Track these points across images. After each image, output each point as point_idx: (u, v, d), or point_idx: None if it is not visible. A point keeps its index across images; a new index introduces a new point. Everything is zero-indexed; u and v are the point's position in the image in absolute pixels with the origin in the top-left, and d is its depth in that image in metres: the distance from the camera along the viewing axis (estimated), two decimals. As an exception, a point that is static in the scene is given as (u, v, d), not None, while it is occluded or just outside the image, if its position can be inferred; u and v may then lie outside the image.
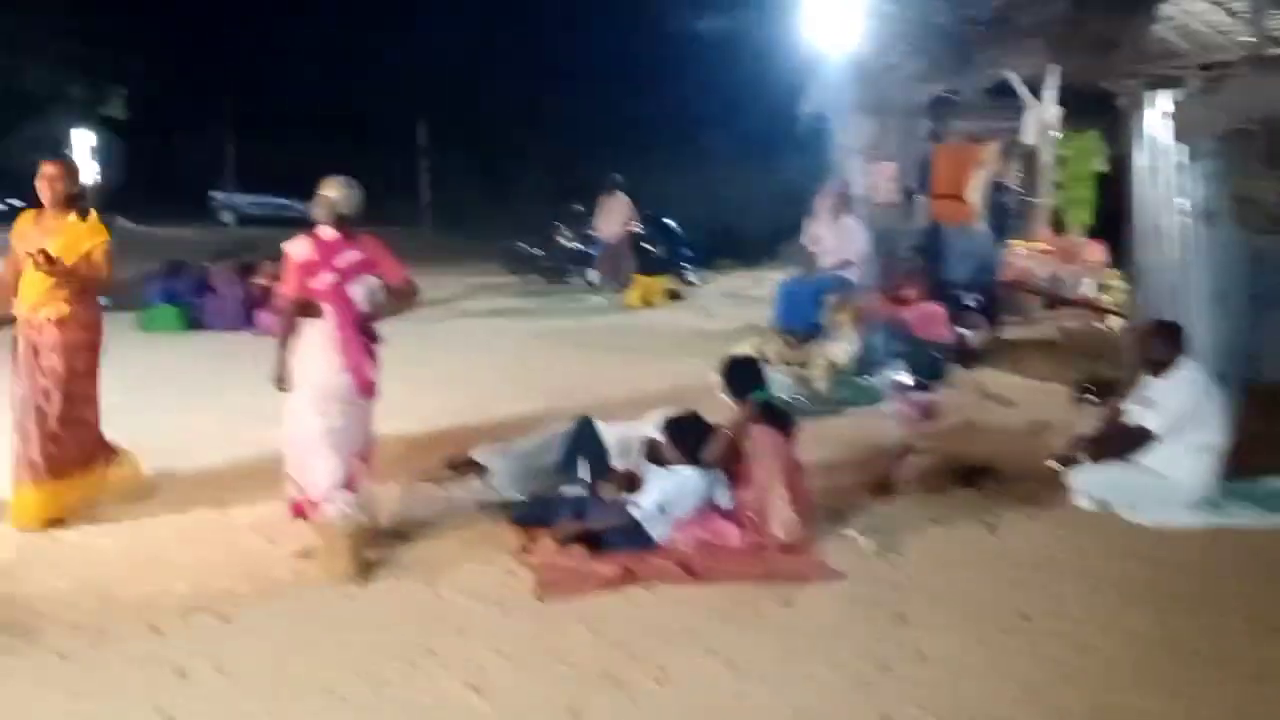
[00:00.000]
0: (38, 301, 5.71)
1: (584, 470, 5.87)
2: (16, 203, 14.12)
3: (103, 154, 33.61)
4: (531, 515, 5.59)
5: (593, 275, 17.80)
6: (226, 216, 34.70)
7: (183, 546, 5.41)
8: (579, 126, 30.55)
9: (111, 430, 6.19)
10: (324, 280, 5.33)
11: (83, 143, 33.31)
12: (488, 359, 11.19)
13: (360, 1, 33.68)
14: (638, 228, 16.90)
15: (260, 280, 13.32)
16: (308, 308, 5.39)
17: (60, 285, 5.65)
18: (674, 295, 16.29)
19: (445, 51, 31.84)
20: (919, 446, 7.01)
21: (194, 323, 13.00)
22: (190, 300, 13.17)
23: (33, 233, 5.72)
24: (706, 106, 27.97)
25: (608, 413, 7.59)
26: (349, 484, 5.35)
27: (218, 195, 35.67)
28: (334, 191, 5.41)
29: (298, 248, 5.39)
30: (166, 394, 9.12)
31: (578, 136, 30.17)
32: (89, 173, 33.80)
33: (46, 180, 5.73)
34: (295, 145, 36.98)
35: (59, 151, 10.96)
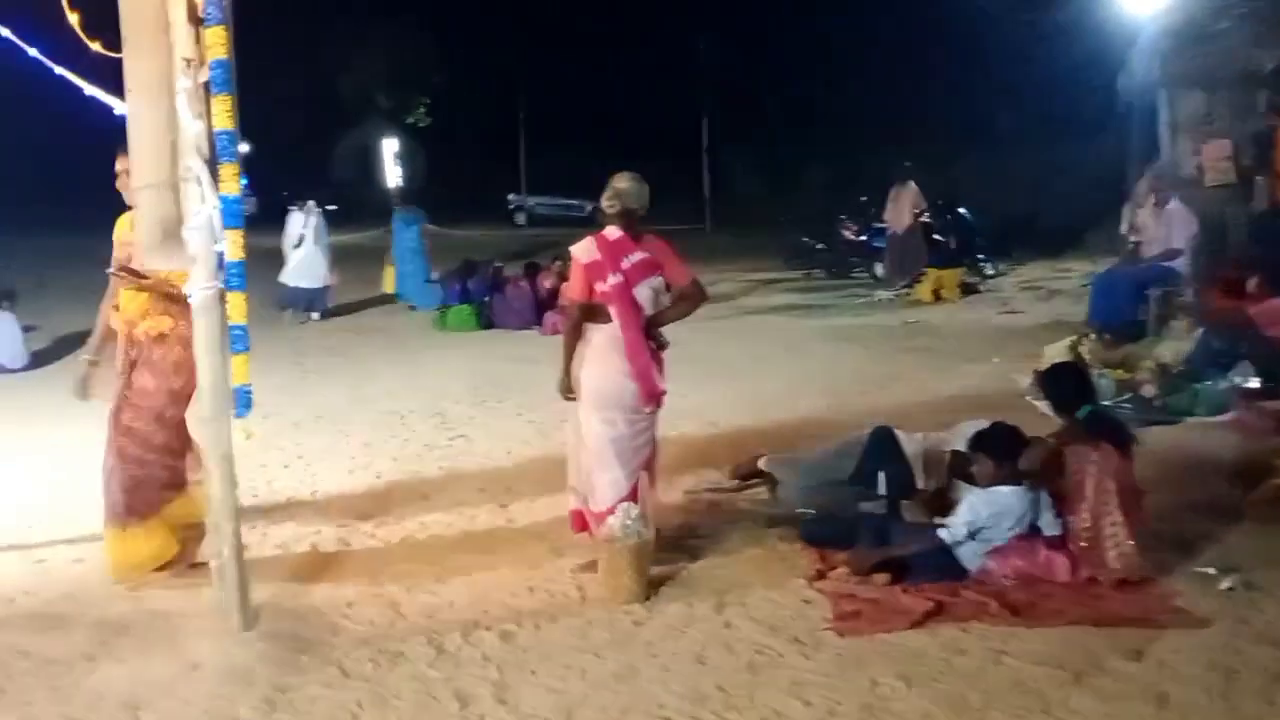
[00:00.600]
0: (134, 315, 4.91)
1: (884, 486, 5.31)
2: (292, 212, 14.86)
3: (405, 159, 35.71)
4: (826, 535, 5.11)
5: (879, 269, 17.02)
6: (520, 218, 36.03)
7: (466, 552, 5.29)
8: (862, 116, 29.59)
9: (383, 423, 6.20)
10: (610, 283, 5.00)
11: (388, 150, 35.54)
12: (770, 358, 10.76)
13: (636, 3, 34.03)
14: (928, 217, 15.98)
15: (547, 281, 13.50)
16: (594, 312, 5.11)
17: (159, 297, 4.83)
18: (969, 289, 15.28)
19: (725, 46, 31.70)
20: (1274, 464, 5.99)
21: (486, 322, 13.32)
22: (483, 299, 13.51)
23: (130, 238, 4.75)
24: (1003, 86, 26.26)
25: (904, 419, 6.98)
26: (633, 496, 5.06)
27: (512, 197, 37.10)
28: (623, 183, 5.09)
29: (583, 249, 5.10)
30: (457, 392, 9.25)
31: (861, 126, 29.23)
32: (391, 177, 36.05)
33: (124, 176, 4.56)
34: (583, 148, 38.14)
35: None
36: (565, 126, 37.39)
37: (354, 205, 38.87)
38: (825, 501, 5.50)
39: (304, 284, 14.26)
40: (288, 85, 39.00)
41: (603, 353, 5.06)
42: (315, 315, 14.30)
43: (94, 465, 5.02)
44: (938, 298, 14.71)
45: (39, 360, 10.87)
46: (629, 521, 4.74)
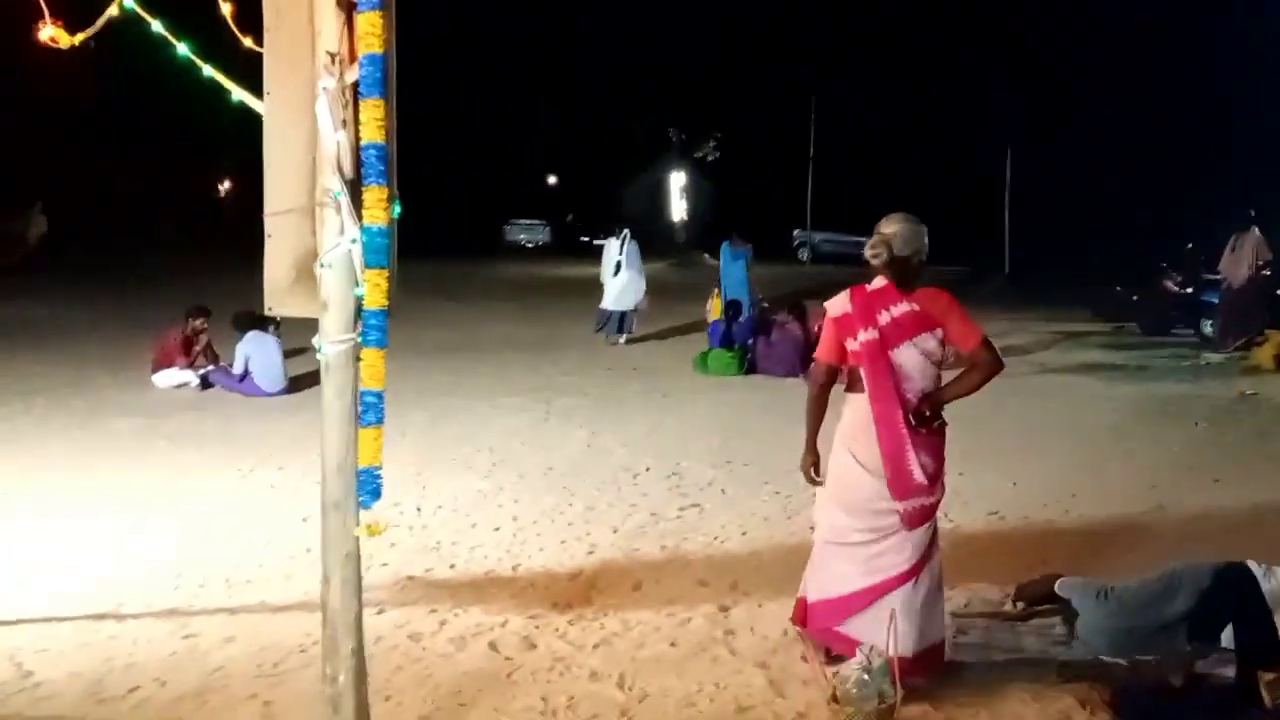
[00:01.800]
0: None
1: (1232, 642, 3.89)
2: (608, 240, 15.61)
3: (692, 194, 35.53)
4: (1145, 707, 3.75)
5: (1208, 326, 14.76)
6: (804, 254, 34.93)
7: (666, 673, 4.28)
8: (1189, 153, 26.56)
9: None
10: (860, 340, 4.16)
11: (675, 184, 35.48)
12: (1074, 430, 9.16)
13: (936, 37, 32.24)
14: (1271, 271, 13.64)
15: (817, 324, 12.36)
16: (849, 378, 4.26)
17: None
18: (1323, 358, 12.88)
19: (1032, 79, 29.38)
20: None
21: (750, 366, 12.34)
22: (746, 342, 12.55)
23: None
24: None
25: (1255, 536, 5.46)
26: (876, 623, 3.94)
27: (797, 233, 36.04)
28: (891, 226, 4.22)
29: (836, 301, 4.32)
30: (702, 448, 8.29)
31: (1187, 164, 26.24)
32: (677, 211, 35.93)
33: None
34: (875, 182, 36.63)
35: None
36: (857, 161, 36.02)
37: (644, 238, 39.21)
38: (1142, 652, 4.12)
39: (620, 307, 14.75)
40: (578, 121, 39.93)
41: (849, 429, 4.21)
42: (622, 339, 14.72)
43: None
44: (1280, 365, 12.45)
45: (296, 385, 10.83)
46: (866, 676, 3.58)
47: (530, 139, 45.40)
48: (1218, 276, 14.44)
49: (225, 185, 39.18)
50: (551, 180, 51.31)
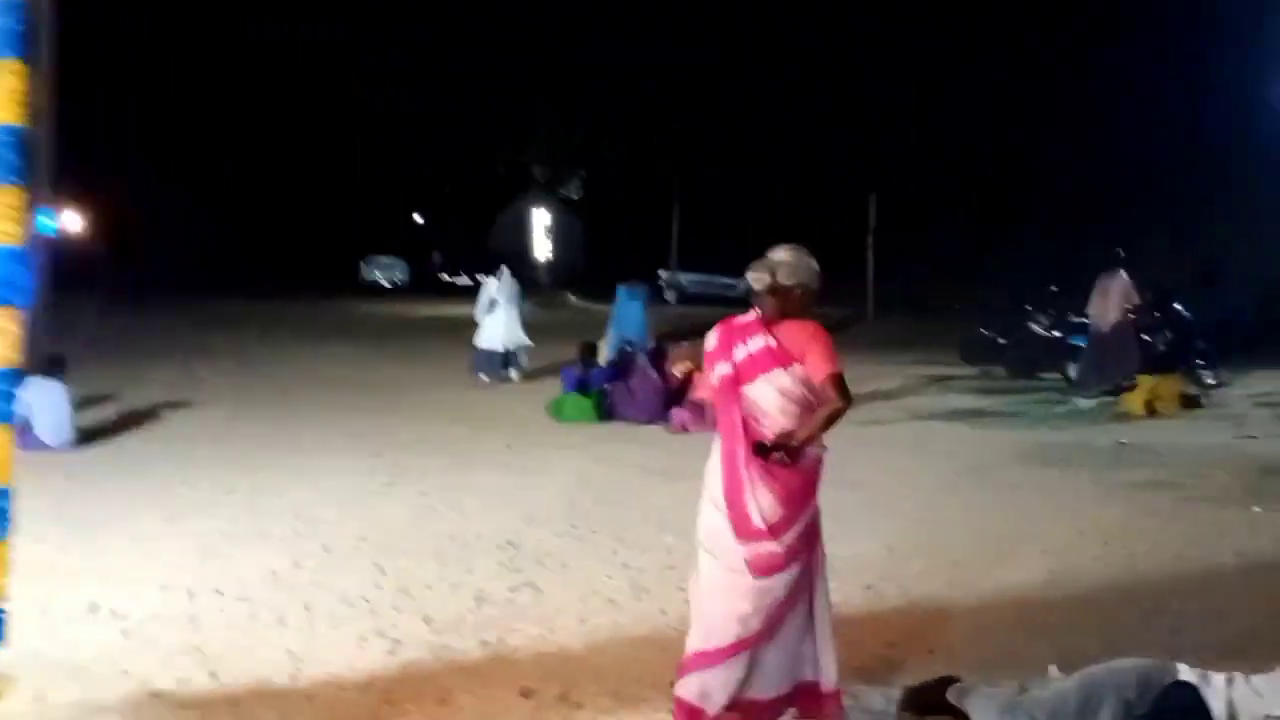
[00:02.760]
0: None
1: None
2: (485, 278, 15.84)
3: (557, 233, 34.71)
4: None
5: (1074, 370, 14.49)
6: (669, 295, 34.39)
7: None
8: (1049, 194, 26.92)
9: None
10: (717, 374, 4.02)
11: (539, 222, 34.62)
12: (952, 485, 8.48)
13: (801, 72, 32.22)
14: (1139, 314, 13.38)
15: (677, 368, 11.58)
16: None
17: None
18: (1190, 402, 12.64)
19: (894, 118, 29.48)
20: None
21: (607, 413, 11.45)
22: (603, 386, 11.65)
23: None
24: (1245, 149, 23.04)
25: (1159, 611, 4.82)
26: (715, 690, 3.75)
27: (663, 273, 35.54)
28: (778, 254, 4.03)
29: (712, 335, 4.13)
30: (546, 510, 7.30)
31: (1049, 206, 26.57)
32: (543, 250, 35.05)
33: None
34: (738, 223, 36.35)
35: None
36: (720, 201, 35.78)
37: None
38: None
39: (497, 347, 14.42)
40: (442, 152, 38.84)
41: (709, 466, 4.03)
42: (514, 374, 14.56)
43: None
44: (1151, 411, 12.13)
45: (87, 437, 9.48)
46: None
47: (389, 172, 44.09)
48: (1084, 320, 14.19)
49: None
50: (418, 219, 50.00)
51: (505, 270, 15.05)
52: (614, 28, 30.99)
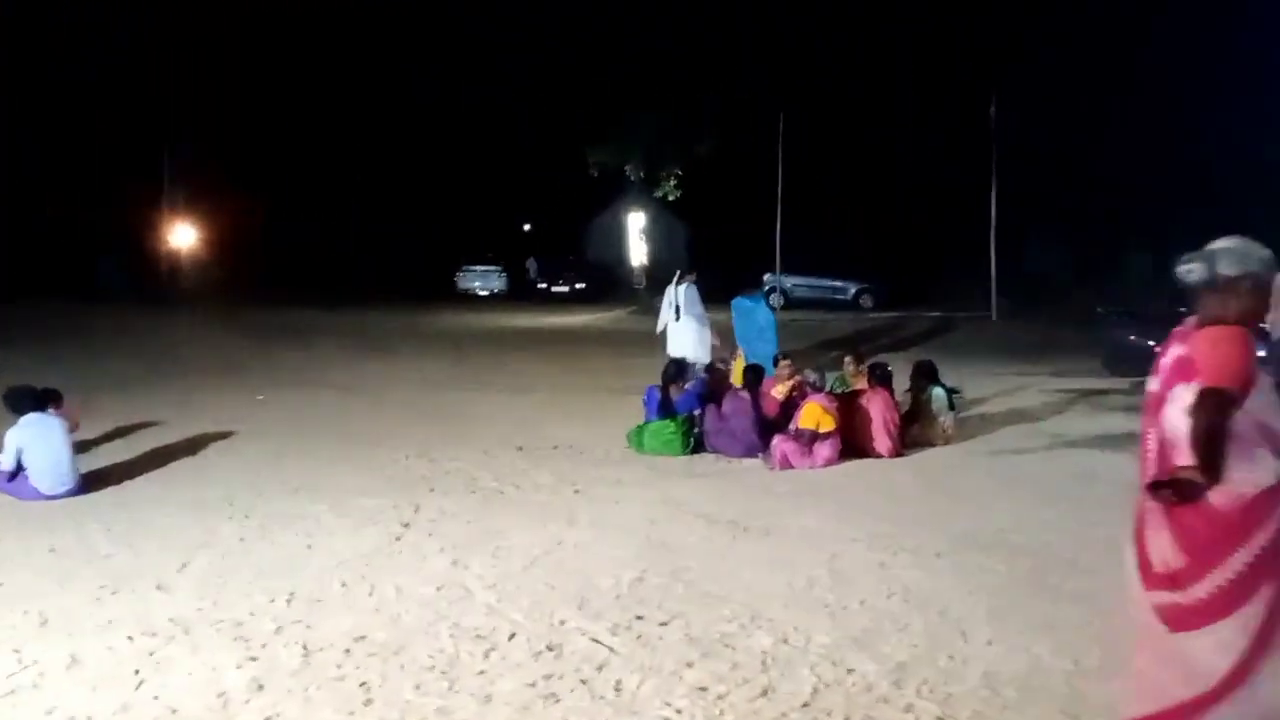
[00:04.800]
0: None
1: None
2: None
3: (652, 235, 33.14)
4: None
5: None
6: (775, 300, 32.59)
7: None
8: (1202, 185, 24.36)
9: None
10: (1147, 389, 3.47)
11: (633, 225, 33.08)
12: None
13: (915, 57, 30.13)
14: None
15: (776, 389, 9.86)
16: None
17: None
18: None
19: (1021, 104, 27.17)
20: None
21: (696, 444, 9.77)
22: (691, 412, 9.96)
23: None
24: None
25: None
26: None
27: (767, 277, 33.71)
28: (1217, 244, 3.32)
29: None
30: (605, 590, 5.65)
31: (1200, 198, 24.01)
32: (637, 254, 33.46)
33: None
34: (848, 222, 34.29)
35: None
36: (829, 197, 33.79)
37: (604, 285, 36.72)
38: None
39: (688, 355, 13.17)
40: (535, 157, 37.73)
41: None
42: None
43: None
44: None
45: (90, 482, 8.14)
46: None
47: (484, 179, 43.15)
48: (1262, 326, 12.02)
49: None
50: (526, 227, 49.11)
51: (679, 274, 14.25)
52: (708, 16, 29.35)
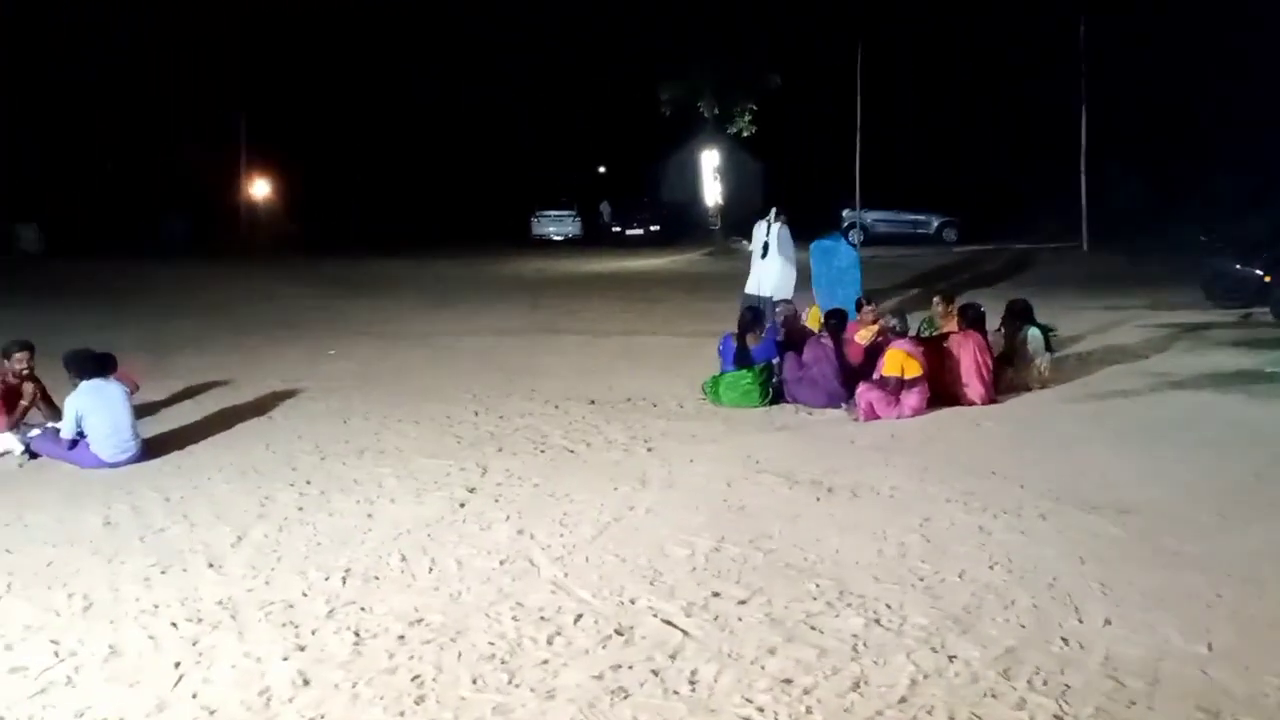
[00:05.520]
0: None
1: None
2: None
3: (729, 175, 32.32)
4: None
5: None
6: (855, 236, 31.69)
7: None
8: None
9: None
10: None
11: (707, 164, 32.26)
12: (1267, 503, 5.97)
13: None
14: None
15: (860, 335, 9.32)
16: None
17: None
18: None
19: (1106, 30, 25.76)
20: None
21: (775, 394, 9.29)
22: (769, 360, 9.46)
23: None
24: None
25: None
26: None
27: (847, 213, 32.81)
28: None
29: None
30: (678, 559, 5.25)
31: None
32: (711, 194, 32.62)
33: None
34: (925, 154, 33.10)
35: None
36: (908, 128, 32.60)
37: (678, 226, 36.06)
38: None
39: (762, 291, 13.07)
40: (604, 97, 37.04)
41: None
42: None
43: None
44: None
45: (151, 450, 7.94)
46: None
47: (555, 124, 42.60)
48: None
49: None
50: (601, 170, 48.53)
51: (774, 212, 13.72)
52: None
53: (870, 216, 31.12)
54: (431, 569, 5.28)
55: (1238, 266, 14.05)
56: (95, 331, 12.56)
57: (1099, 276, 19.53)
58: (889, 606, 4.59)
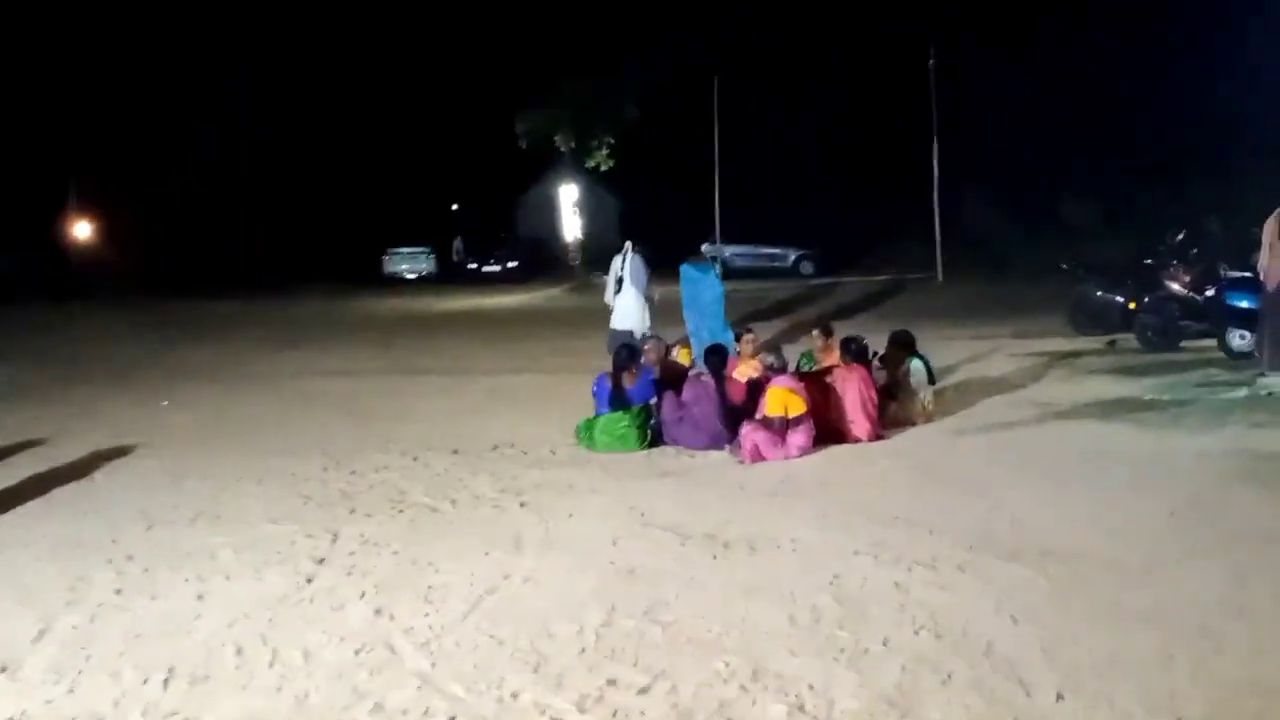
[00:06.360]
0: None
1: None
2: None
3: (585, 208, 31.92)
4: None
5: (1237, 339, 11.59)
6: (715, 270, 31.60)
7: None
8: (1140, 139, 23.75)
9: None
10: None
11: (566, 198, 31.81)
12: (1181, 542, 5.63)
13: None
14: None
15: (739, 371, 8.83)
16: None
17: None
18: None
19: (955, 58, 26.34)
20: None
21: (654, 437, 8.69)
22: (646, 401, 8.87)
23: None
24: None
25: None
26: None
27: (706, 247, 32.69)
28: None
29: None
30: (564, 635, 4.56)
31: (1136, 152, 23.42)
32: (571, 229, 32.15)
33: None
34: (786, 188, 33.33)
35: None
36: (764, 163, 32.74)
37: (537, 263, 35.38)
38: None
39: (633, 328, 12.57)
40: (459, 132, 36.30)
41: None
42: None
43: None
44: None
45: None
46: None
47: (408, 159, 41.58)
48: (1246, 274, 11.36)
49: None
50: (454, 207, 47.54)
51: (628, 245, 13.31)
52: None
53: (728, 251, 31.05)
54: (273, 663, 4.46)
55: (1099, 294, 14.15)
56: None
57: (957, 306, 19.65)
58: (811, 687, 3.99)
